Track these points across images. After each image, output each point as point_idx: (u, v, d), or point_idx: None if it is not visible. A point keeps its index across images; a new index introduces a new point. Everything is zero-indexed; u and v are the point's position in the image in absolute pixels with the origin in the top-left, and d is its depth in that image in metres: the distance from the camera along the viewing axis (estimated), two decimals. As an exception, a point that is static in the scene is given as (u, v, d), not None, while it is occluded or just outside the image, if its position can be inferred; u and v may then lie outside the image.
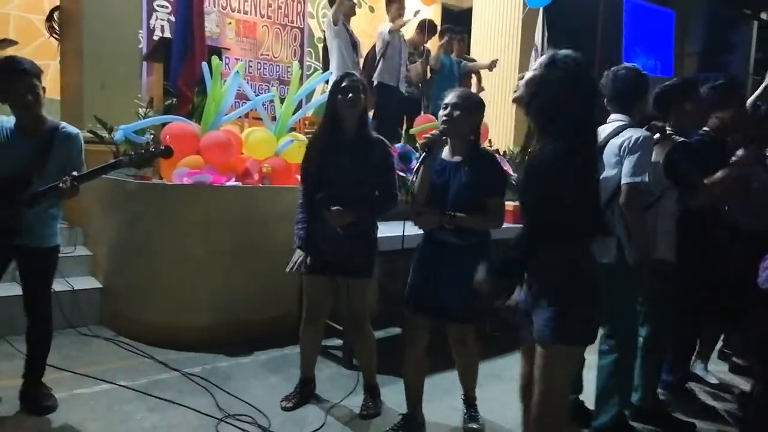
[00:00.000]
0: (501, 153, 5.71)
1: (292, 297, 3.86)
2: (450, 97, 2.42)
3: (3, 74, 2.49)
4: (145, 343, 3.58)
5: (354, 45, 5.97)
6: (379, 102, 5.75)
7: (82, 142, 2.70)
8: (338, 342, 3.66)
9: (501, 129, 6.74)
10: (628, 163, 2.43)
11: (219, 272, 3.70)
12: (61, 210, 2.79)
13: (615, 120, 2.62)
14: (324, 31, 6.18)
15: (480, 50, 7.16)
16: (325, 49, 6.67)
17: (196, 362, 3.39)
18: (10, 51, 5.75)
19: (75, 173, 2.48)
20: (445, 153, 2.50)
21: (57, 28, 5.08)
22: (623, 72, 2.62)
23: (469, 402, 2.81)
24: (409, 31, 6.51)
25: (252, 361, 3.52)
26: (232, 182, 3.82)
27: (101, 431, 2.59)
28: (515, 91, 2.11)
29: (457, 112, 2.38)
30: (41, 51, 6.62)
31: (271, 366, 3.45)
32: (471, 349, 2.62)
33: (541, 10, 6.42)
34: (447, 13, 8.95)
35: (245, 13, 7.93)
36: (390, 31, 5.89)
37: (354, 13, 6.33)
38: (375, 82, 5.82)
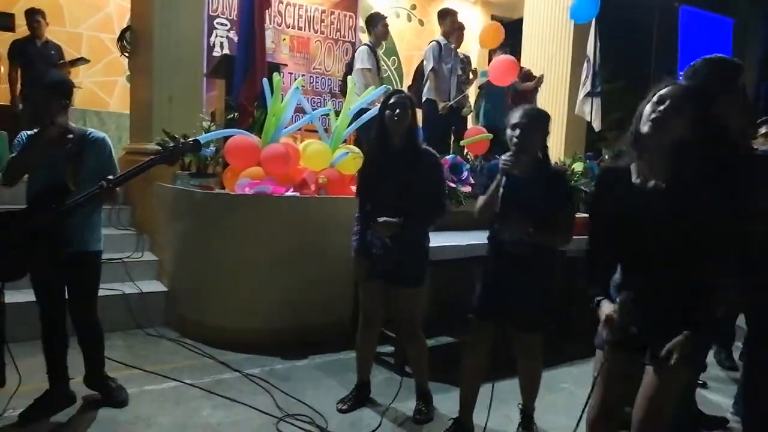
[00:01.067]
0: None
1: (347, 303, 3.98)
2: (518, 117, 2.44)
3: (39, 84, 2.65)
4: (207, 345, 3.77)
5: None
6: (427, 116, 5.83)
7: (111, 145, 2.78)
8: (391, 349, 3.75)
9: (552, 141, 6.70)
10: None
11: (277, 278, 3.85)
12: (101, 215, 2.88)
13: None
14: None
15: (530, 61, 7.17)
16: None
17: (255, 364, 3.54)
18: (82, 68, 6.19)
19: (110, 177, 2.57)
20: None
21: (127, 46, 5.40)
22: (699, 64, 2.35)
23: (527, 413, 2.82)
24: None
25: (308, 364, 3.64)
26: (290, 192, 3.98)
27: (171, 425, 2.75)
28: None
29: (527, 132, 2.41)
30: (110, 68, 7.07)
31: (326, 369, 3.57)
32: (538, 359, 2.66)
33: (593, 20, 6.38)
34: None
35: (299, 28, 8.21)
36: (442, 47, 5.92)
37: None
38: (424, 98, 5.90)
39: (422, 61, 6.26)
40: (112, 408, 2.87)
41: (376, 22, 5.91)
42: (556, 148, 6.71)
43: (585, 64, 6.45)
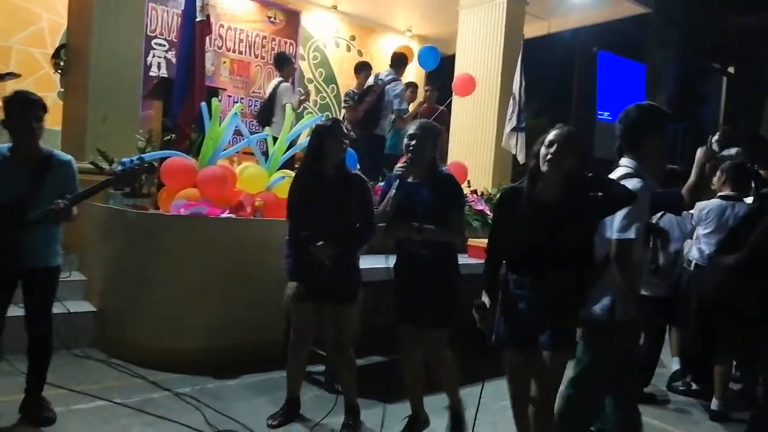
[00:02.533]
0: (479, 194, 6.06)
1: (279, 324, 4.07)
2: (413, 128, 2.79)
3: (15, 103, 2.69)
4: (137, 365, 3.76)
5: None
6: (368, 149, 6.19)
7: (76, 168, 2.88)
8: (321, 368, 3.87)
9: (479, 171, 7.09)
10: (617, 217, 2.33)
11: (210, 299, 3.91)
12: (60, 232, 2.94)
13: (622, 165, 2.52)
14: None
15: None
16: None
17: (186, 383, 3.57)
18: (11, 83, 6.03)
19: (68, 196, 2.66)
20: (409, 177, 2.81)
21: (61, 63, 5.34)
22: (631, 109, 2.54)
23: (455, 411, 3.05)
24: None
25: (239, 383, 3.71)
26: (226, 214, 4.07)
27: (98, 443, 2.77)
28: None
29: (419, 142, 2.74)
30: (41, 83, 6.88)
31: (257, 388, 3.64)
32: (447, 355, 2.89)
33: (519, 60, 6.87)
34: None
35: (240, 52, 8.32)
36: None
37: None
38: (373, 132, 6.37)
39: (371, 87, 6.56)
40: (35, 427, 2.84)
41: (288, 63, 6.80)
42: (483, 178, 7.10)
43: (511, 101, 6.91)
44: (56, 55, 5.39)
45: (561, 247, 2.25)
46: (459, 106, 7.61)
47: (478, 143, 7.38)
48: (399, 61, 6.88)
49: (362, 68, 7.23)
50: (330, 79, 9.33)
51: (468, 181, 6.09)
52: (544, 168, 2.26)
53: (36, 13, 6.91)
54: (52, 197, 2.65)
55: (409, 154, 2.76)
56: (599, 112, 10.48)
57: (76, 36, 5.16)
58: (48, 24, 6.95)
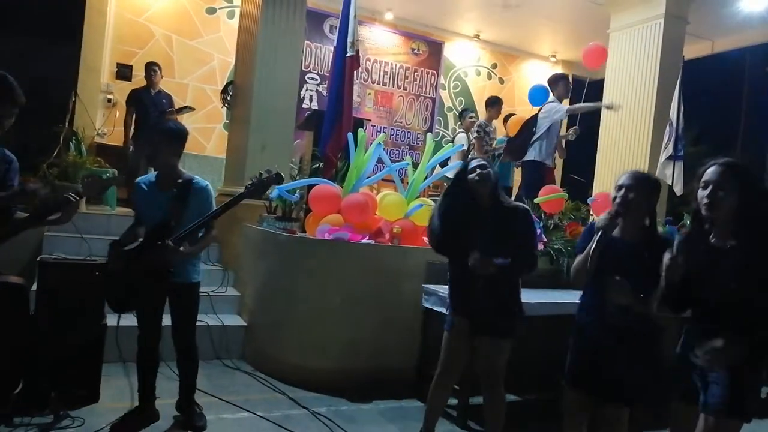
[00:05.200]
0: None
1: (413, 351, 4.08)
2: (624, 178, 2.48)
3: (158, 134, 2.98)
4: (279, 380, 3.97)
5: None
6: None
7: (212, 192, 3.07)
8: (453, 401, 3.78)
9: (630, 202, 6.60)
10: None
11: (349, 321, 4.03)
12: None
13: None
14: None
15: (612, 121, 7.16)
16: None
17: (323, 403, 3.69)
18: (186, 115, 6.82)
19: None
20: (616, 232, 2.49)
21: (228, 98, 5.94)
22: None
23: None
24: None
25: (372, 408, 3.75)
26: (366, 240, 4.19)
27: (243, 453, 2.94)
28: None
29: (629, 193, 2.42)
30: (210, 116, 7.73)
31: (390, 415, 3.65)
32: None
33: (677, 83, 6.34)
34: (576, 83, 9.06)
35: (384, 84, 8.65)
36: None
37: None
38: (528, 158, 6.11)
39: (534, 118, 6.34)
40: (188, 431, 3.10)
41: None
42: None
43: (667, 127, 6.38)
44: (224, 91, 6.01)
45: (738, 299, 2.00)
46: (607, 133, 7.19)
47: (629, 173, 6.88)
48: (553, 82, 6.39)
49: (494, 103, 7.12)
50: (470, 107, 9.33)
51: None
52: (704, 212, 2.09)
53: (209, 53, 7.79)
54: (191, 219, 2.89)
55: (614, 207, 2.44)
56: (774, 137, 9.33)
57: (242, 73, 5.71)
58: (219, 63, 7.80)
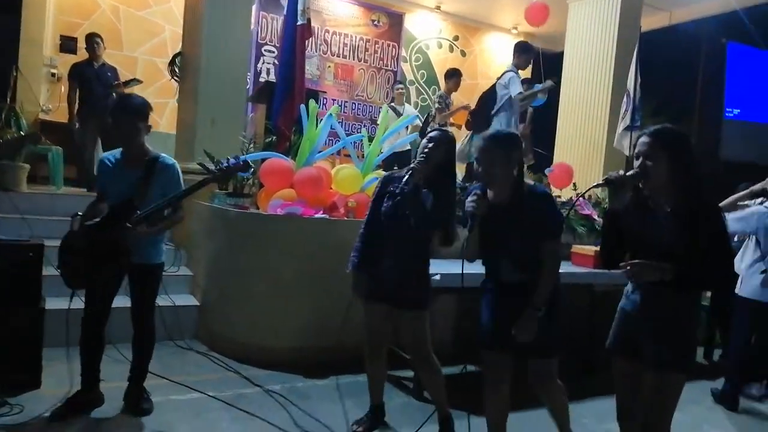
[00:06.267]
0: (587, 197, 5.65)
1: (369, 327, 4.03)
2: (478, 144, 2.51)
3: (118, 111, 2.88)
4: (233, 359, 3.88)
5: None
6: None
7: (179, 171, 3.01)
8: (410, 373, 3.77)
9: (588, 172, 6.65)
10: None
11: (303, 298, 3.95)
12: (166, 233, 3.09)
13: None
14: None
15: (571, 92, 7.17)
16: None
17: (277, 380, 3.62)
18: (136, 89, 6.54)
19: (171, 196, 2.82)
20: (490, 195, 2.48)
21: (177, 71, 5.70)
22: None
23: None
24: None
25: (328, 384, 3.70)
26: (320, 214, 4.09)
27: (188, 435, 2.86)
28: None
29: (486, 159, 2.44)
30: (162, 90, 7.44)
31: (345, 390, 3.61)
32: (555, 384, 2.59)
33: (634, 54, 6.35)
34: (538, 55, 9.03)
35: (344, 57, 8.46)
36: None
37: None
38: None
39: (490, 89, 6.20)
40: (134, 416, 2.99)
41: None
42: (594, 179, 6.64)
43: (624, 98, 6.41)
44: (172, 63, 5.75)
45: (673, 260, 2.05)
46: (567, 103, 7.20)
47: (587, 143, 6.92)
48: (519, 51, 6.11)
49: (452, 75, 7.01)
50: (431, 80, 9.24)
51: (574, 183, 5.72)
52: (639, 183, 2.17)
53: (159, 24, 7.47)
54: (156, 198, 2.82)
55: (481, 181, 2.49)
56: (728, 109, 9.46)
57: (189, 44, 5.48)
58: (170, 35, 7.49)
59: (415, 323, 2.85)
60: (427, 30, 9.20)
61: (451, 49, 9.46)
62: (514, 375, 2.57)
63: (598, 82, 6.97)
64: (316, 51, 8.10)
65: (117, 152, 2.97)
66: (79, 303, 2.94)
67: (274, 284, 3.94)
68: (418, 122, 6.96)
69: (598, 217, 5.22)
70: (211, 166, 4.50)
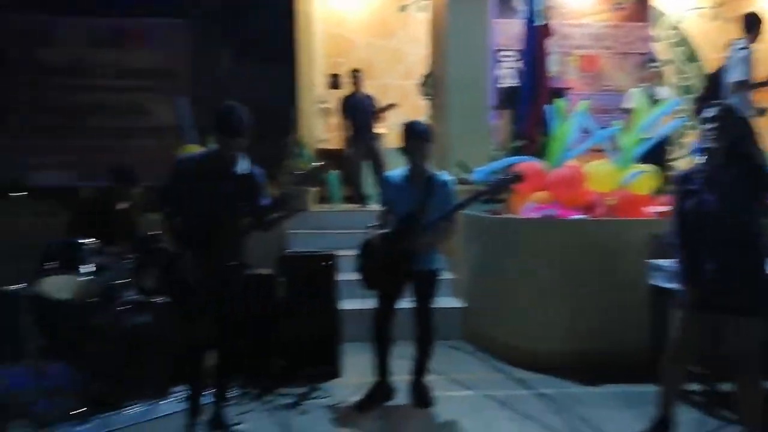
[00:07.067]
0: None
1: (641, 332, 3.75)
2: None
3: (410, 133, 3.20)
4: (500, 360, 4.01)
5: None
6: None
7: (454, 187, 3.28)
8: (698, 387, 3.39)
9: None
10: None
11: (567, 301, 3.88)
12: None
13: None
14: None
15: None
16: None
17: (547, 384, 3.62)
18: (392, 112, 7.20)
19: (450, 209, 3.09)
20: None
21: (427, 89, 6.14)
22: None
23: None
24: None
25: (603, 391, 3.56)
26: (577, 216, 3.98)
27: (471, 429, 3.05)
28: None
29: None
30: (413, 110, 8.03)
31: (623, 399, 3.43)
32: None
33: None
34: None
35: (587, 48, 8.05)
36: None
37: None
38: None
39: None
40: (418, 407, 3.29)
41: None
42: None
43: None
44: (424, 83, 6.21)
45: None
46: None
47: None
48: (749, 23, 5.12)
49: (752, 24, 5.18)
50: (692, 57, 8.21)
51: None
52: None
53: (404, 51, 8.12)
54: (434, 211, 3.11)
55: None
56: None
57: (436, 64, 5.85)
58: (415, 59, 8.07)
59: (744, 332, 2.53)
60: (681, 1, 8.22)
61: (714, 18, 8.28)
62: None
63: None
64: (555, 48, 7.87)
65: (400, 170, 3.32)
66: (369, 304, 3.35)
67: (536, 287, 3.95)
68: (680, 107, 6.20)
69: None
70: (467, 177, 4.77)
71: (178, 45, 5.71)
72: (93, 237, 3.38)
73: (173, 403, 3.25)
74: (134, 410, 3.20)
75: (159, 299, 3.32)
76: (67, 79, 5.59)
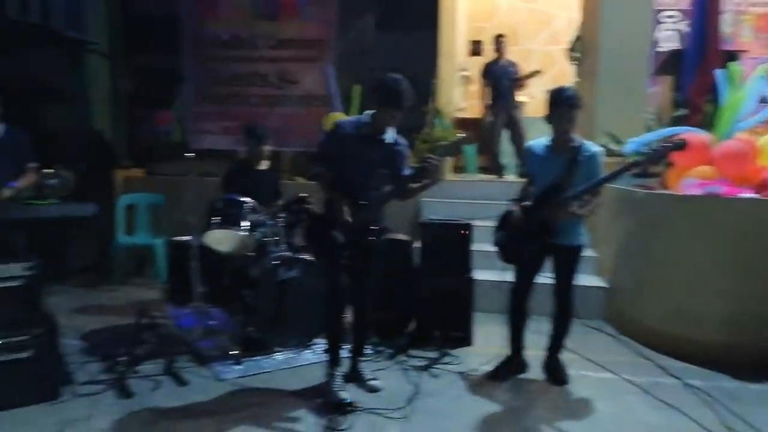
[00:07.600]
0: None
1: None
2: None
3: (557, 100, 3.00)
4: (644, 345, 3.78)
5: None
6: None
7: (601, 159, 3.05)
8: None
9: None
10: None
11: (727, 289, 3.51)
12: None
13: None
14: None
15: None
16: None
17: (697, 375, 3.35)
18: (534, 79, 6.91)
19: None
20: None
21: (575, 54, 5.78)
22: None
23: None
24: None
25: (763, 389, 3.22)
26: (747, 194, 3.56)
27: (609, 413, 2.92)
28: None
29: None
30: (557, 77, 7.66)
31: (786, 400, 3.08)
32: None
33: None
34: None
35: (765, 5, 7.05)
36: None
37: None
38: None
39: None
40: (553, 384, 3.23)
41: None
42: None
43: None
44: (572, 48, 5.86)
45: None
46: None
47: None
48: None
49: None
50: None
51: None
52: None
53: (552, 14, 7.69)
54: (580, 182, 2.95)
55: None
56: None
57: (587, 27, 5.48)
58: (563, 22, 7.63)
59: None
60: None
61: None
62: None
63: None
64: (729, 5, 6.98)
65: (543, 140, 3.17)
66: (505, 276, 3.29)
67: (691, 271, 3.63)
68: None
69: None
70: (615, 147, 4.47)
71: (328, 14, 5.90)
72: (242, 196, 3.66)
73: (315, 353, 3.52)
74: (281, 356, 3.51)
75: (306, 256, 3.55)
76: (230, 50, 6.05)
